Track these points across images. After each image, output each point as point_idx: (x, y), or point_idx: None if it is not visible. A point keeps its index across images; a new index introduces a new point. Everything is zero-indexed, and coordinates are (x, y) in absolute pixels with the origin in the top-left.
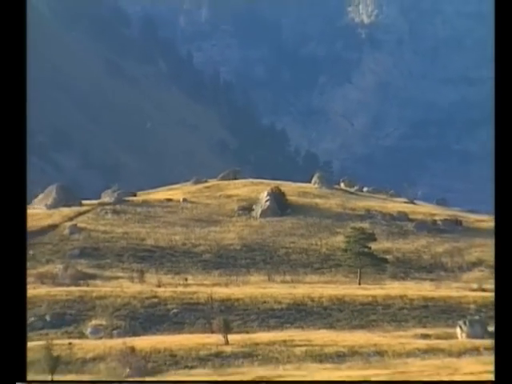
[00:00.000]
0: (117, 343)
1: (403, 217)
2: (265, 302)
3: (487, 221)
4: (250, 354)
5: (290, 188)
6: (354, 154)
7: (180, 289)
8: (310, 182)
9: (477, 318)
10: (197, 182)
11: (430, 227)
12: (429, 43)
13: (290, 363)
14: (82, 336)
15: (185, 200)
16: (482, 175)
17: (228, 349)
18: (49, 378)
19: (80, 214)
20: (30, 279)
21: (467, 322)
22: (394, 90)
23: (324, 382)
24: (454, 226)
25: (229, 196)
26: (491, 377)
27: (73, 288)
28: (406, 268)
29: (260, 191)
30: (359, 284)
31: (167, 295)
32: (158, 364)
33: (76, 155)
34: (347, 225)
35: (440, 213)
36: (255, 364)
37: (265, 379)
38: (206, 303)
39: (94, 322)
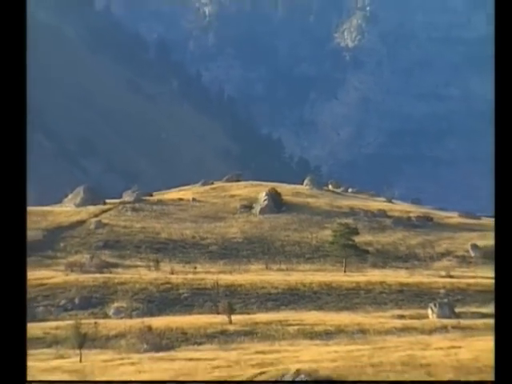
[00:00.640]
0: (136, 322)
1: (382, 214)
2: (263, 288)
3: (454, 217)
4: (250, 332)
5: (285, 189)
6: (340, 160)
7: (190, 276)
8: (302, 183)
9: (445, 300)
10: (204, 184)
11: (405, 223)
12: (404, 64)
13: (285, 340)
14: (105, 316)
15: (194, 199)
16: (450, 178)
17: (231, 327)
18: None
19: (104, 211)
20: (61, 267)
21: (437, 304)
22: (374, 104)
23: (324, 382)
24: (425, 222)
25: (232, 196)
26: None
27: (98, 275)
28: (385, 258)
29: (259, 192)
30: (344, 272)
31: (179, 281)
32: (171, 340)
33: (100, 161)
34: (334, 221)
35: (414, 210)
36: (255, 341)
37: (262, 353)
38: (212, 288)
39: (116, 304)
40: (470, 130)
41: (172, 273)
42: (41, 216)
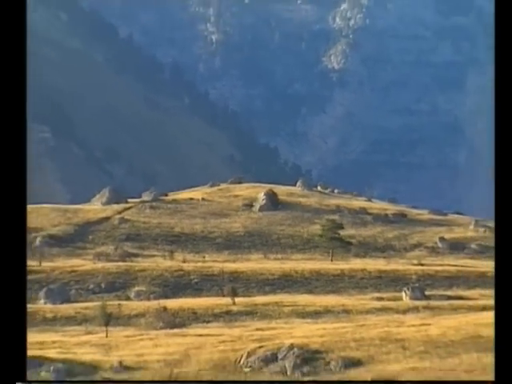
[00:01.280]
0: (153, 304)
1: (363, 211)
2: (262, 274)
3: (425, 214)
4: (250, 312)
5: (280, 190)
6: (327, 165)
7: (199, 264)
8: (295, 185)
9: (417, 285)
10: (212, 186)
11: (383, 219)
12: (381, 84)
13: (280, 318)
14: (127, 298)
15: (203, 199)
16: (421, 181)
17: (235, 308)
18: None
19: (126, 209)
20: (89, 257)
21: (410, 288)
22: (357, 118)
23: (324, 382)
24: (400, 218)
25: (235, 196)
26: (427, 328)
27: (121, 263)
28: (366, 249)
29: (258, 192)
30: (331, 260)
31: (190, 269)
32: (183, 319)
33: (123, 166)
34: (322, 217)
35: (390, 208)
36: (255, 319)
37: (261, 330)
38: (218, 275)
39: (136, 288)
40: (437, 140)
41: (184, 261)
42: (73, 213)
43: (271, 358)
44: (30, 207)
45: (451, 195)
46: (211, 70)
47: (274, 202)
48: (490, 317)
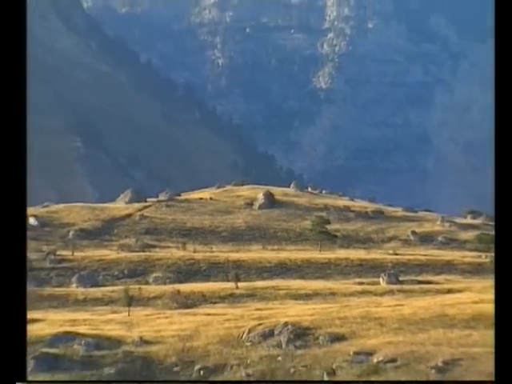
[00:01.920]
0: (168, 288)
1: (347, 209)
2: (260, 262)
3: (399, 211)
4: (251, 295)
5: (277, 191)
6: (316, 170)
7: (208, 254)
8: (289, 187)
9: (392, 271)
10: (218, 187)
11: (363, 215)
12: (362, 101)
13: (276, 300)
14: (146, 283)
15: (211, 198)
16: (395, 183)
17: (238, 291)
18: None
19: (145, 207)
20: (114, 248)
21: (386, 274)
22: (342, 130)
23: (324, 382)
24: (378, 215)
25: (238, 196)
26: (401, 308)
27: (141, 253)
28: (349, 241)
29: (257, 193)
30: (320, 251)
31: (200, 258)
32: (194, 301)
33: (143, 171)
34: (312, 214)
35: (370, 206)
36: (254, 301)
37: (260, 310)
38: (223, 263)
39: (154, 274)
40: (409, 148)
41: (195, 252)
42: (100, 210)
43: (269, 334)
44: (63, 205)
45: (421, 195)
46: (218, 89)
47: (271, 201)
48: (453, 298)
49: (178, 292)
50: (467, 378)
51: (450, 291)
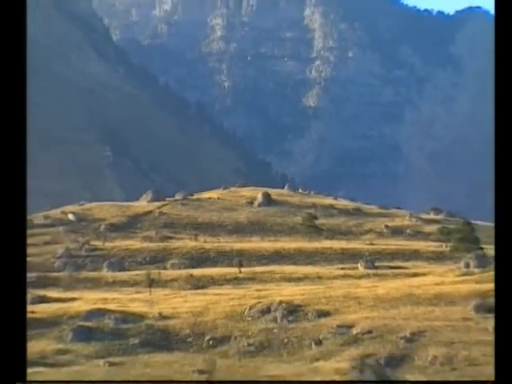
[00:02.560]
0: (183, 272)
1: (331, 207)
2: (259, 251)
3: (375, 209)
4: (252, 278)
5: (273, 192)
6: (306, 175)
7: (216, 244)
8: (283, 188)
9: (369, 258)
10: (224, 189)
11: (345, 212)
12: (344, 117)
13: (272, 282)
14: (165, 268)
15: (218, 198)
16: (372, 186)
17: (241, 275)
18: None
19: (164, 205)
20: (138, 239)
21: (364, 261)
22: (327, 141)
23: (324, 382)
24: (357, 212)
25: (241, 196)
26: (376, 289)
27: (160, 244)
28: (333, 233)
29: (257, 193)
30: (309, 241)
31: (209, 247)
32: (204, 283)
33: (162, 175)
34: (302, 211)
35: (350, 205)
36: (254, 283)
37: (259, 291)
38: (229, 252)
39: (171, 261)
40: (383, 157)
41: (205, 242)
42: (126, 208)
43: (266, 311)
44: (96, 204)
45: (393, 195)
46: (224, 108)
47: (268, 200)
48: (419, 280)
49: (191, 276)
50: (429, 347)
51: (416, 275)
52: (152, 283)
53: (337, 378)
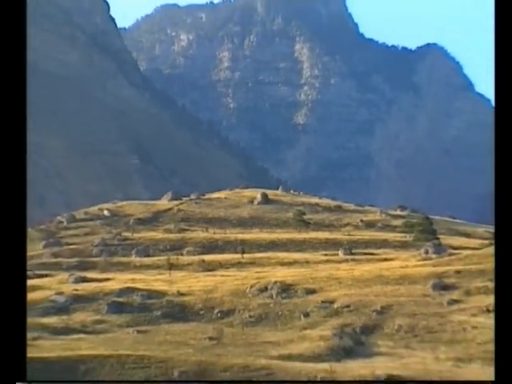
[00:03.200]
0: (196, 258)
1: (317, 205)
2: (258, 241)
3: (352, 206)
4: (252, 263)
5: (270, 192)
6: (296, 179)
7: (223, 235)
8: (277, 189)
9: (347, 246)
10: (230, 190)
11: (328, 209)
12: (328, 132)
13: (269, 266)
14: (182, 255)
15: (225, 197)
16: (351, 188)
17: (243, 260)
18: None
19: (181, 203)
20: (160, 231)
21: (343, 248)
22: (314, 152)
23: (324, 382)
24: (338, 209)
25: (243, 196)
26: (352, 272)
27: (178, 234)
28: (318, 226)
29: (256, 194)
30: (298, 233)
31: (218, 237)
32: (213, 266)
33: (179, 178)
34: (293, 208)
35: (332, 203)
36: (254, 266)
37: (258, 273)
38: (234, 241)
39: (186, 249)
40: (359, 164)
41: (214, 233)
42: (151, 206)
43: (264, 289)
44: (126, 202)
45: (366, 196)
46: (230, 124)
47: (266, 199)
48: (388, 264)
49: (203, 261)
50: (396, 318)
51: (385, 260)
52: (171, 267)
53: (321, 343)
